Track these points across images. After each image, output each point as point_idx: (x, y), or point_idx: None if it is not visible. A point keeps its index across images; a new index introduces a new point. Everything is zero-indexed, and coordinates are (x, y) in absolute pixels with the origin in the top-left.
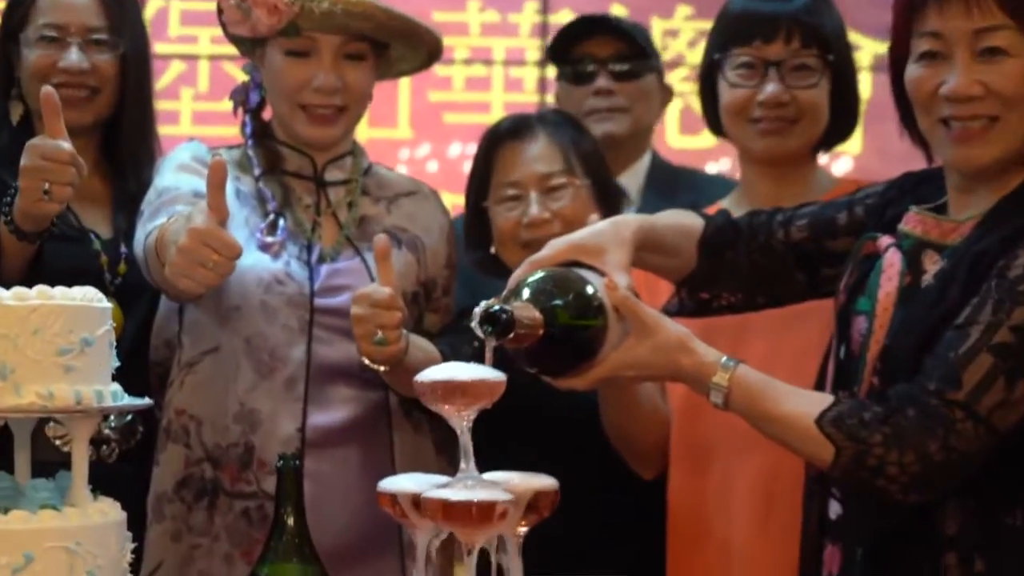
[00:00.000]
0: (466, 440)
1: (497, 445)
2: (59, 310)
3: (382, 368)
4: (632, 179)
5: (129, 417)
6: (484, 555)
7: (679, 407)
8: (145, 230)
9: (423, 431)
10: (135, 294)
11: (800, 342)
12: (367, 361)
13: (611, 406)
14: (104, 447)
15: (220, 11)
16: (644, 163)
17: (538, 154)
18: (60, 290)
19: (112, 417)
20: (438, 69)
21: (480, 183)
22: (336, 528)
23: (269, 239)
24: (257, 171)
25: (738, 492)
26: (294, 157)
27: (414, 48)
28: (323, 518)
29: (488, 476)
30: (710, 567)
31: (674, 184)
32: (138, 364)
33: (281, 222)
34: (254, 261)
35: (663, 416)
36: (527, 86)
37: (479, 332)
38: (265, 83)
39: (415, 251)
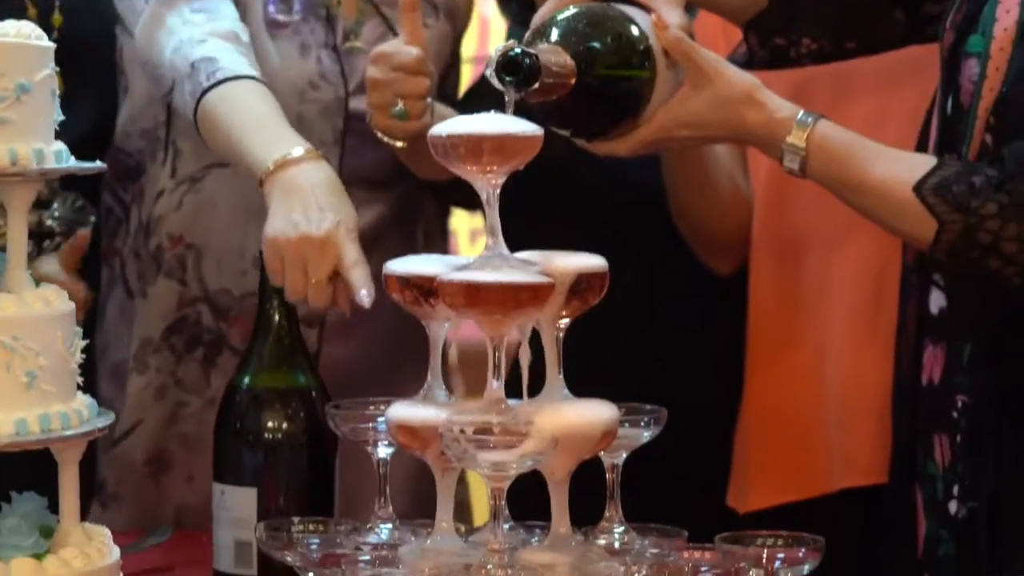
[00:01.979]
0: (493, 211)
1: (524, 230)
2: None
3: (399, 144)
4: None
5: (78, 203)
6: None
7: (764, 185)
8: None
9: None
10: (76, 56)
11: (915, 99)
12: (380, 135)
13: (678, 181)
14: (47, 242)
15: None
16: None
17: None
18: None
19: (56, 204)
20: None
21: None
22: (358, 346)
23: (281, 17)
24: None
25: (836, 287)
26: None
27: None
28: (345, 337)
29: (520, 255)
30: (797, 373)
31: None
32: (84, 149)
33: None
34: (280, 60)
35: (745, 197)
36: None
37: (496, 82)
38: None
39: (452, 19)
